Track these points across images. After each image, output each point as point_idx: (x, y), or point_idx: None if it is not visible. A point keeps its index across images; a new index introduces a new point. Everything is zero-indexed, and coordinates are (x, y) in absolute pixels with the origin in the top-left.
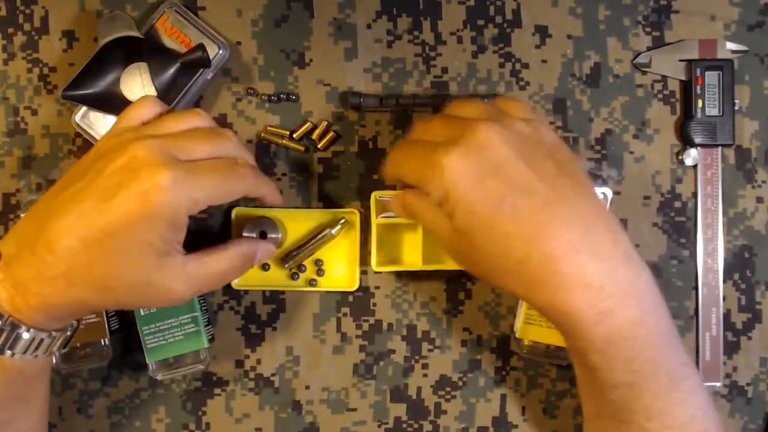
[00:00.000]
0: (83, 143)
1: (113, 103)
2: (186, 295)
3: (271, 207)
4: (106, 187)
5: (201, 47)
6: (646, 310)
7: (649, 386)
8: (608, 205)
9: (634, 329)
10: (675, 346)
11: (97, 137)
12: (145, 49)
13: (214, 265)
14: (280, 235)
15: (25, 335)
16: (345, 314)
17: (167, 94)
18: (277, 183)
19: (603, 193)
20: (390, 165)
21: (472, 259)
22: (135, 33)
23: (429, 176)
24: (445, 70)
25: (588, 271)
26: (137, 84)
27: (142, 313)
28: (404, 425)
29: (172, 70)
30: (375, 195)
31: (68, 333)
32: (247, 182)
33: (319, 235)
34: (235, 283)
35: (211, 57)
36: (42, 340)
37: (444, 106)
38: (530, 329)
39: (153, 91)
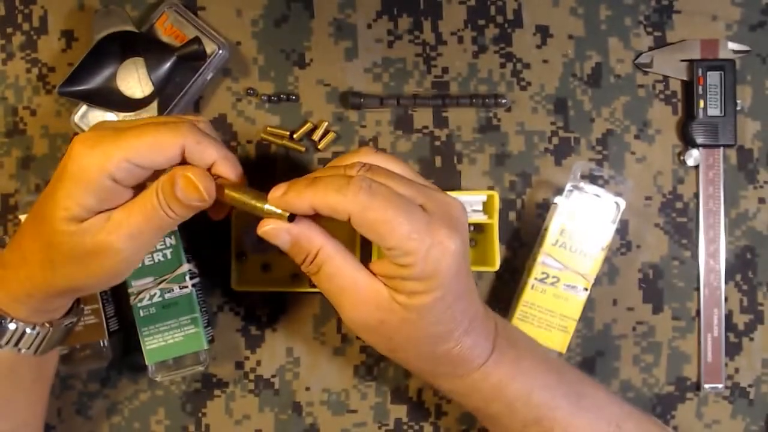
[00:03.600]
0: None
1: (110, 98)
2: (127, 245)
3: (229, 181)
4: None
5: (197, 40)
6: (515, 345)
7: (554, 415)
8: (618, 215)
9: (518, 365)
10: (559, 367)
11: None
12: (141, 43)
13: (140, 202)
14: None
15: (11, 326)
16: None
17: (164, 89)
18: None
19: (616, 203)
20: (346, 202)
21: (389, 341)
22: (131, 27)
23: (422, 249)
24: (445, 70)
25: (468, 345)
26: (134, 79)
27: (142, 315)
28: (405, 427)
29: (168, 65)
30: None
31: (51, 333)
32: (180, 135)
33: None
34: (236, 285)
35: (210, 57)
36: (24, 333)
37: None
38: (524, 327)
39: (150, 87)
